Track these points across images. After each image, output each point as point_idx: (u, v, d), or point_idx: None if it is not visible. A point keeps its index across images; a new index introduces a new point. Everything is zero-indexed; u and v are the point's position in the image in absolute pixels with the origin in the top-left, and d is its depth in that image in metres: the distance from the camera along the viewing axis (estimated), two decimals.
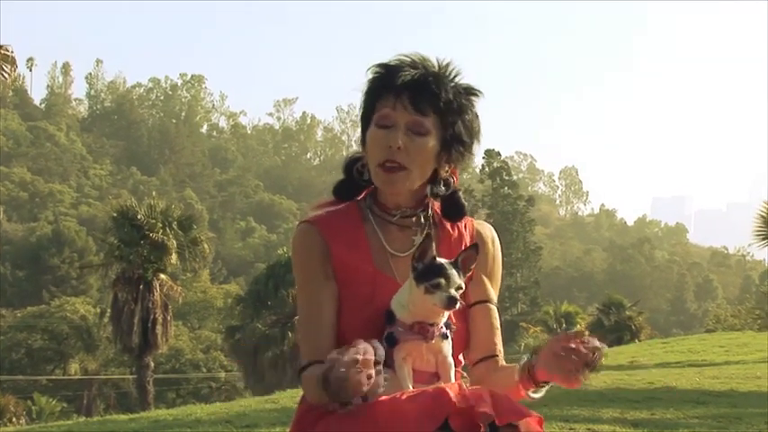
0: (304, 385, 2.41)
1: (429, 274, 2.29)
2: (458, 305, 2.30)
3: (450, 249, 2.52)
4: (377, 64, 2.52)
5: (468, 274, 2.37)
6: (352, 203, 2.58)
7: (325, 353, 2.30)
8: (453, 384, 2.23)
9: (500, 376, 2.44)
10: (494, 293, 2.58)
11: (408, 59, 2.49)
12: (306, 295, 2.50)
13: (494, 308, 2.56)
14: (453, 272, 2.30)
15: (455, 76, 2.50)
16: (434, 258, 2.32)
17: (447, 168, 2.53)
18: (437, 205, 2.61)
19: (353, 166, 2.58)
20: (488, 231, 2.64)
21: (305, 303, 2.50)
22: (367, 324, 2.40)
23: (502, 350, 2.53)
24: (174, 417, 9.49)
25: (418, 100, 2.43)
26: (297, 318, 2.60)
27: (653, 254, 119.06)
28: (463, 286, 2.33)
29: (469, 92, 2.51)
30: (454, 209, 2.59)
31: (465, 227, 2.61)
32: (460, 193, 2.60)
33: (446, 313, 2.34)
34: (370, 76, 2.52)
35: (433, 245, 2.34)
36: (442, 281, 2.27)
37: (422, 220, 2.56)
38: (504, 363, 2.50)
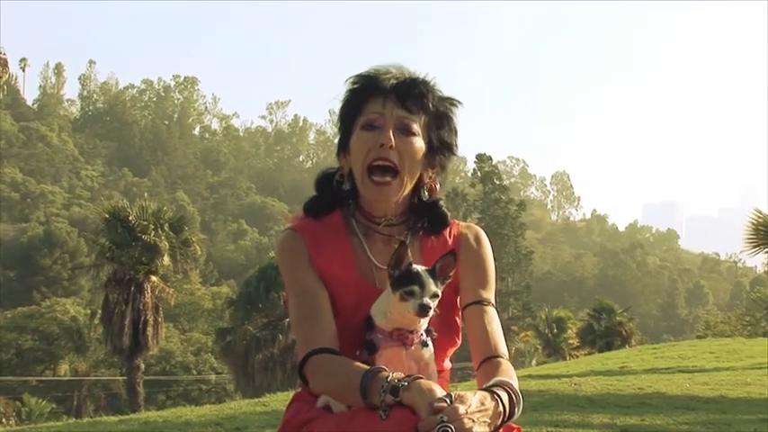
0: (311, 373, 2.34)
1: (404, 282, 2.27)
2: (431, 313, 2.26)
3: (433, 257, 2.49)
4: (356, 75, 2.50)
5: (447, 281, 2.33)
6: (337, 214, 2.55)
7: (329, 340, 2.34)
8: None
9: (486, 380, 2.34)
10: (487, 293, 2.52)
11: (386, 69, 2.49)
12: (298, 291, 2.47)
13: (488, 308, 2.49)
14: (429, 279, 2.27)
15: (433, 84, 2.50)
16: (410, 265, 2.29)
17: (431, 174, 2.53)
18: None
19: (330, 181, 2.56)
20: (473, 233, 2.60)
21: (299, 298, 2.46)
22: (353, 334, 2.39)
23: (503, 349, 2.43)
24: (164, 419, 9.48)
25: (406, 99, 2.43)
26: (288, 320, 2.56)
27: (644, 259, 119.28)
28: (439, 294, 2.28)
29: (451, 102, 2.52)
30: (437, 219, 2.57)
31: (449, 232, 2.58)
32: (441, 203, 2.58)
33: (424, 321, 2.31)
34: (350, 87, 2.50)
35: (409, 252, 2.30)
36: (416, 288, 2.25)
37: (405, 229, 2.54)
38: (505, 363, 2.39)
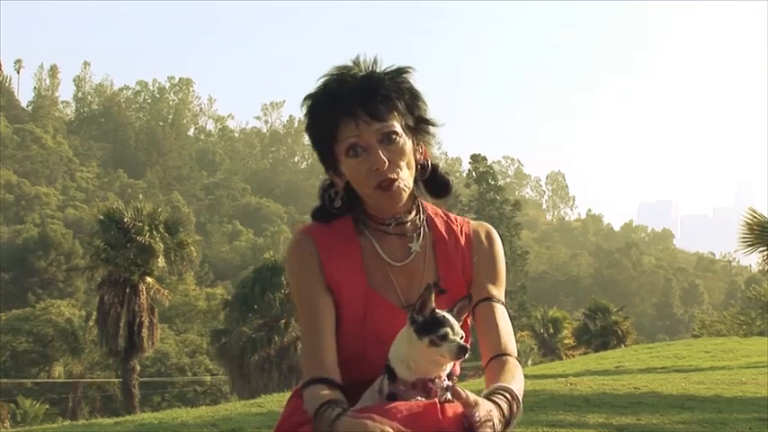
0: (305, 400, 2.33)
1: (434, 326, 2.18)
2: (467, 354, 2.19)
3: (447, 254, 2.50)
4: (312, 97, 2.43)
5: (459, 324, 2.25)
6: (348, 217, 2.50)
7: (326, 369, 2.32)
8: (433, 405, 2.14)
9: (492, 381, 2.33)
10: (498, 291, 2.51)
11: (333, 76, 2.42)
12: (304, 308, 2.44)
13: (499, 305, 2.48)
14: (455, 321, 2.21)
15: (377, 65, 2.43)
16: (434, 310, 2.22)
17: (420, 151, 2.47)
18: (431, 209, 2.57)
19: (327, 193, 2.51)
20: (485, 230, 2.58)
21: (304, 317, 2.44)
22: (358, 345, 2.39)
23: (513, 347, 2.42)
24: (160, 420, 9.46)
25: (374, 109, 2.36)
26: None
27: (639, 259, 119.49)
28: (464, 336, 2.23)
29: (403, 71, 2.44)
30: (440, 185, 2.54)
31: (461, 230, 2.55)
32: (440, 170, 2.53)
33: (449, 365, 2.24)
34: (313, 110, 2.43)
35: (433, 296, 2.23)
36: (449, 331, 2.17)
37: (417, 223, 2.50)
38: (513, 361, 2.38)
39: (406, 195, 2.42)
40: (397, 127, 2.38)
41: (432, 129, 2.49)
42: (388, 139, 2.37)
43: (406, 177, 2.40)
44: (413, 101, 2.43)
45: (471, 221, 2.60)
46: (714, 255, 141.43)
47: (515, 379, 2.31)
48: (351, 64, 2.44)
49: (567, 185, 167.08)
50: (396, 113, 2.39)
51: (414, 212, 2.51)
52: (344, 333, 2.41)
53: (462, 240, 2.53)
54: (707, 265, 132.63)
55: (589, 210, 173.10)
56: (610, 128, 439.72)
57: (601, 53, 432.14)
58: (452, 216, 2.59)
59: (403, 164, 2.39)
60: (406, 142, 2.40)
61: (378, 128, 2.36)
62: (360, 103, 2.36)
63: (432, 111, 2.49)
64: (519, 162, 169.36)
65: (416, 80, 2.46)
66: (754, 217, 18.58)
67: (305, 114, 2.45)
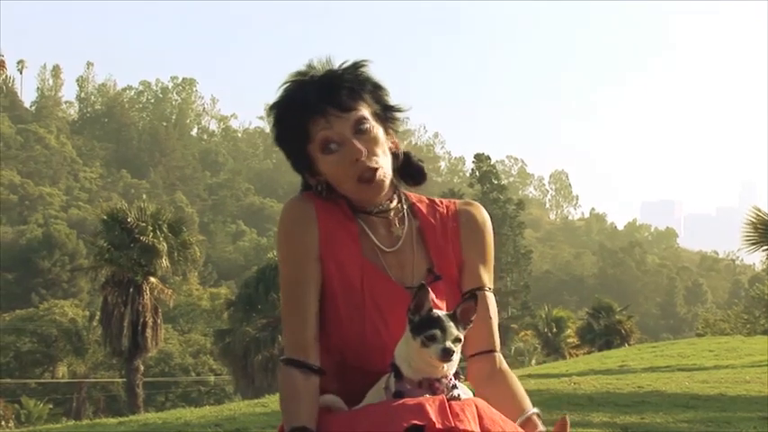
0: (279, 378, 2.35)
1: (425, 327, 2.17)
2: (455, 358, 2.18)
3: (435, 238, 2.47)
4: (278, 104, 2.44)
5: (468, 327, 2.23)
6: (342, 200, 2.46)
7: (307, 347, 2.31)
8: (435, 399, 2.10)
9: (499, 391, 2.35)
10: (489, 277, 2.47)
11: (293, 82, 2.43)
12: (289, 279, 2.40)
13: (489, 294, 2.44)
14: (450, 323, 2.18)
15: (331, 63, 2.44)
16: (431, 310, 2.20)
17: (392, 139, 2.47)
18: (414, 197, 2.54)
19: (311, 188, 2.50)
20: (475, 210, 2.54)
21: (288, 288, 2.40)
22: (355, 312, 2.36)
23: (498, 341, 2.41)
24: (164, 420, 9.48)
25: (341, 102, 2.36)
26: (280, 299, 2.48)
27: (643, 258, 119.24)
28: (462, 338, 2.20)
29: (359, 65, 2.45)
30: (415, 172, 2.53)
31: (447, 210, 2.52)
32: (412, 156, 2.53)
33: (447, 366, 2.21)
34: (274, 119, 2.45)
35: (429, 296, 2.21)
36: (438, 332, 2.16)
37: (399, 210, 2.47)
38: (501, 359, 2.38)
39: (387, 184, 2.41)
40: (367, 114, 2.39)
41: (399, 115, 2.49)
42: (361, 129, 2.36)
43: (385, 165, 2.39)
44: (376, 90, 2.44)
45: (458, 201, 2.57)
46: (717, 254, 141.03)
47: (518, 383, 2.36)
48: (305, 68, 2.45)
49: (570, 185, 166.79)
50: (363, 103, 2.40)
51: (395, 200, 2.48)
52: (340, 299, 2.38)
53: (449, 219, 2.50)
54: (710, 264, 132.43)
55: (592, 209, 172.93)
56: (612, 127, 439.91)
57: (603, 54, 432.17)
58: (437, 200, 2.56)
59: (380, 151, 2.38)
60: (379, 130, 2.40)
61: (347, 118, 2.36)
62: (326, 100, 2.36)
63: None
64: (522, 161, 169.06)
65: (373, 72, 2.46)
66: (759, 215, 18.59)
67: (273, 125, 2.46)
